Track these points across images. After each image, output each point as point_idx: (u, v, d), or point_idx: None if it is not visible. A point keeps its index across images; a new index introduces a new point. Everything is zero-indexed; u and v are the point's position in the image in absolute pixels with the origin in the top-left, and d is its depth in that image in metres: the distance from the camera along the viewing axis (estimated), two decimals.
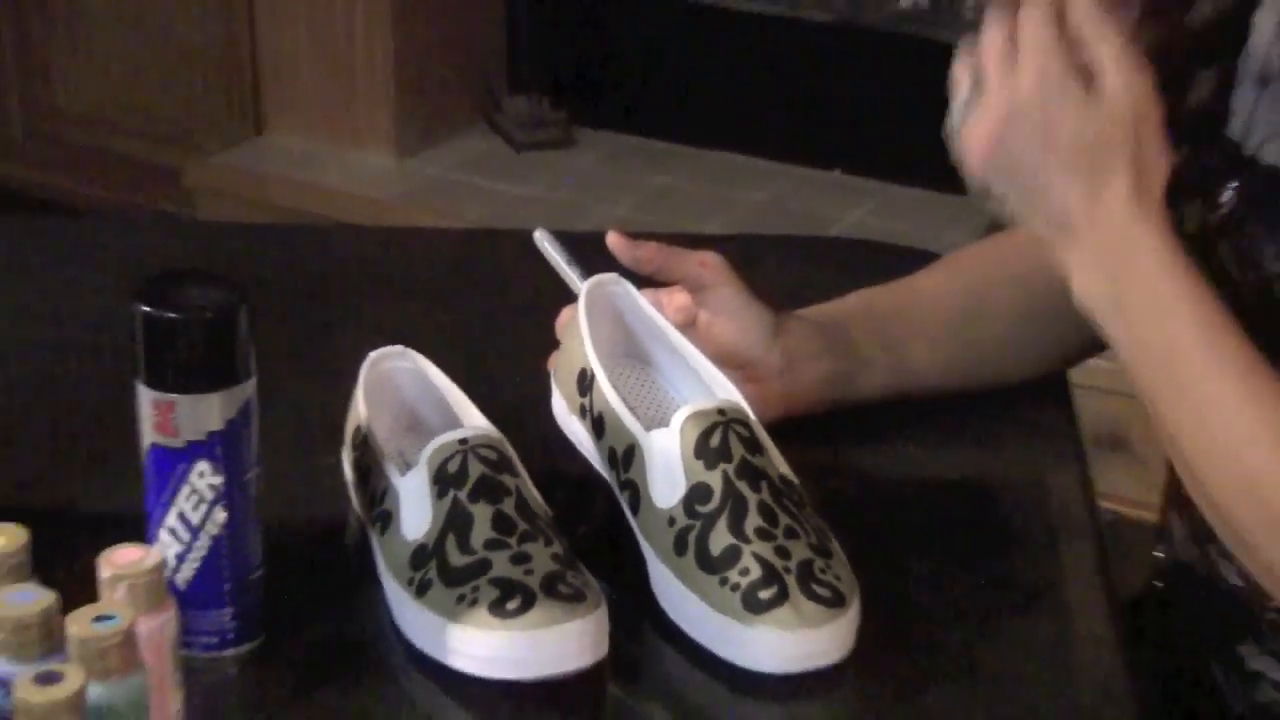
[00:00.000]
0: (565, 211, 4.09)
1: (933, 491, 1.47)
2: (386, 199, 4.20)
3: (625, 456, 1.49)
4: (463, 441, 1.44)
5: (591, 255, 1.69)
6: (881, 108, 4.21)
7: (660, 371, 1.62)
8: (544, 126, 4.39)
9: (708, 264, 1.69)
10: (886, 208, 4.11)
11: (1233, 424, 1.45)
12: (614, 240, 1.69)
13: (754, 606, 1.38)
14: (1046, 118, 1.45)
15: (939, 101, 4.14)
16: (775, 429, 1.55)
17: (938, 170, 4.20)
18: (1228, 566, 1.66)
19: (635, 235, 1.71)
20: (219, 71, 4.51)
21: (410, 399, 1.57)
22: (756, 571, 1.39)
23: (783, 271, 1.76)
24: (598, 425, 1.53)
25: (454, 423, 1.51)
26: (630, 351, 1.63)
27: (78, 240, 2.08)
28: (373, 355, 1.56)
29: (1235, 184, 1.61)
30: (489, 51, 4.46)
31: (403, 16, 4.25)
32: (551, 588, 1.38)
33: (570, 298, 1.62)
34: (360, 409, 1.53)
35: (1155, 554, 1.79)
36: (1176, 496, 1.75)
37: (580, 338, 1.57)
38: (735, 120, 4.32)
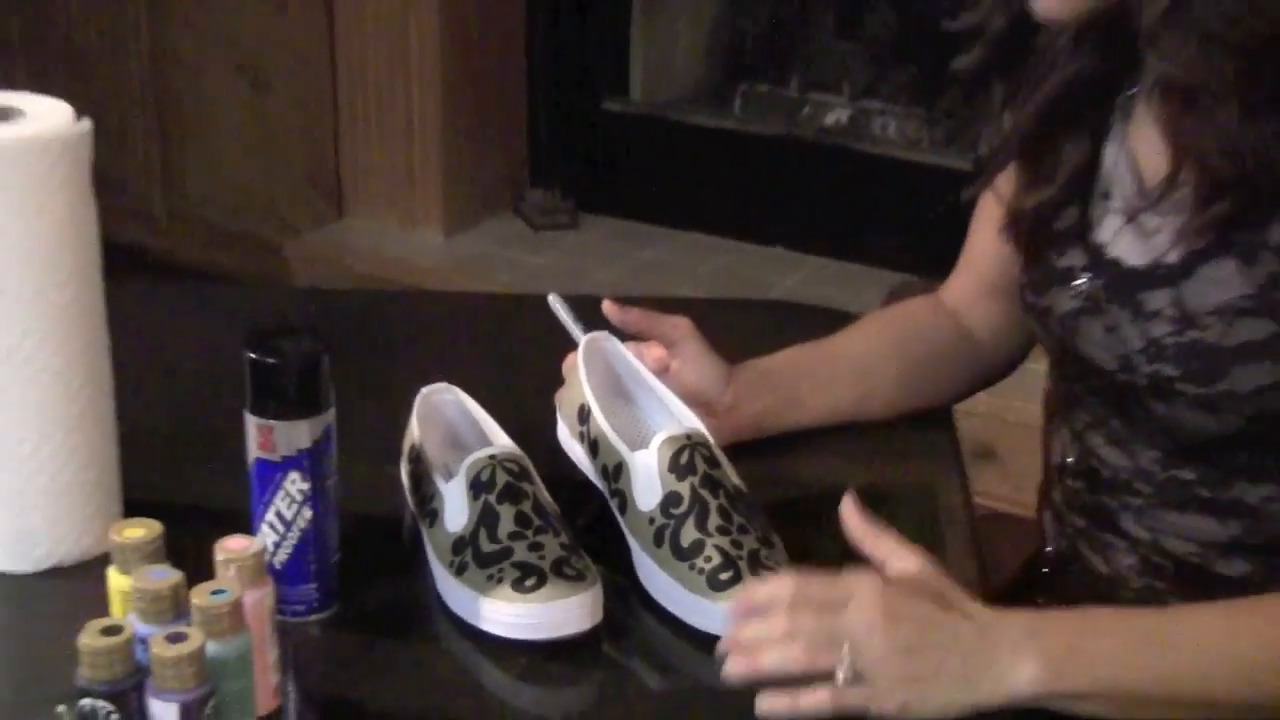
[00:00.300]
0: (571, 277, 4.08)
1: (845, 491, 1.47)
2: (436, 268, 4.19)
3: (615, 471, 1.50)
4: (492, 457, 1.44)
5: (591, 315, 1.69)
6: (811, 198, 4.22)
7: (640, 406, 1.62)
8: (556, 213, 4.37)
9: (678, 325, 1.69)
10: (815, 275, 4.11)
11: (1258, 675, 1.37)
12: (608, 306, 1.69)
13: (716, 585, 1.39)
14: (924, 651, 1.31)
15: (854, 194, 4.13)
16: (728, 449, 1.55)
17: (853, 246, 4.23)
18: (1094, 556, 1.66)
19: (626, 300, 1.71)
20: (311, 170, 4.50)
21: (453, 423, 1.56)
22: (717, 559, 1.40)
23: (734, 330, 1.77)
24: (593, 447, 1.53)
25: (486, 442, 1.50)
26: (618, 391, 1.62)
27: (203, 300, 2.09)
28: (425, 390, 1.56)
29: (1093, 275, 1.59)
30: (515, 154, 4.45)
31: (449, 128, 4.25)
32: (559, 569, 1.39)
33: (574, 347, 1.62)
34: (415, 431, 1.53)
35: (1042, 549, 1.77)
36: (1045, 499, 1.76)
37: (580, 380, 1.57)
38: (701, 208, 4.31)
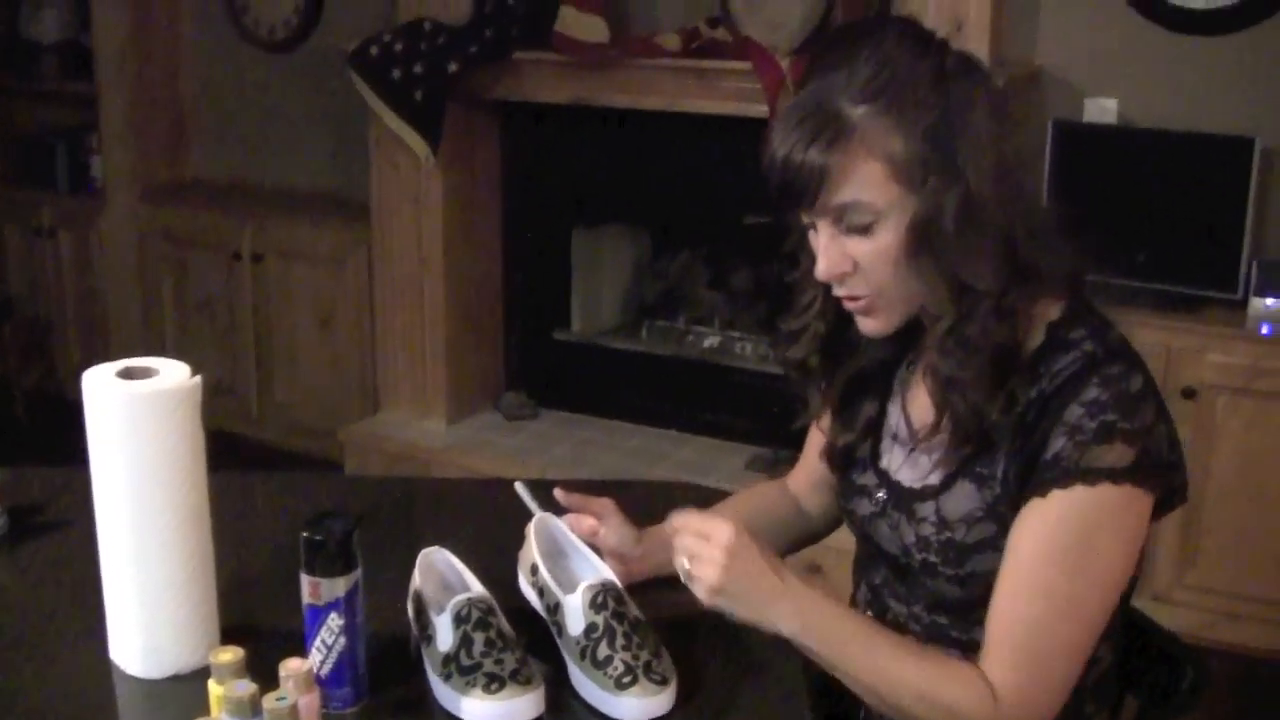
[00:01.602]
0: (534, 454, 4.06)
1: (713, 615, 1.45)
2: (441, 447, 4.17)
3: (554, 608, 1.49)
4: (469, 599, 1.43)
5: (545, 492, 1.68)
6: (695, 397, 4.23)
7: (573, 562, 1.60)
8: (523, 408, 4.35)
9: (604, 504, 1.67)
10: (699, 449, 4.09)
11: (894, 686, 1.43)
12: (558, 492, 1.67)
13: (621, 686, 1.38)
14: (729, 577, 1.41)
15: (724, 394, 4.06)
16: (635, 588, 1.55)
17: (724, 429, 4.19)
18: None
19: (573, 481, 1.70)
20: (358, 380, 4.51)
21: (443, 574, 1.54)
22: (622, 668, 1.39)
23: (643, 503, 1.73)
24: (540, 591, 1.53)
25: (465, 588, 1.49)
26: (557, 552, 1.61)
27: (282, 486, 2.06)
28: (424, 551, 1.54)
29: (883, 491, 1.60)
30: (494, 368, 4.45)
31: (450, 352, 4.25)
32: (515, 677, 1.38)
33: (531, 518, 1.62)
34: (417, 579, 1.52)
35: None
36: (856, 597, 1.74)
37: (531, 546, 1.57)
38: (622, 404, 4.30)
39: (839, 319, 1.56)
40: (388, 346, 4.34)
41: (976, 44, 3.39)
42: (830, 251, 1.45)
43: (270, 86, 4.89)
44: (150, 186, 4.93)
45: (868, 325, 1.51)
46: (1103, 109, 3.57)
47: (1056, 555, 1.39)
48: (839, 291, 1.50)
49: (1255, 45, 3.45)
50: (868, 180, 1.40)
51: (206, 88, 5.04)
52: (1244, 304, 3.34)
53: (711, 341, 4.31)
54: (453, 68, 3.86)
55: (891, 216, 1.41)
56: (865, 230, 1.42)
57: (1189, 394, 3.28)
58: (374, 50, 3.88)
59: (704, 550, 1.42)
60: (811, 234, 1.48)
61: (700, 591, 1.42)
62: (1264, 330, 3.27)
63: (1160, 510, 1.45)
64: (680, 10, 3.92)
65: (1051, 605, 1.40)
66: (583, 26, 3.82)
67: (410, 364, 4.31)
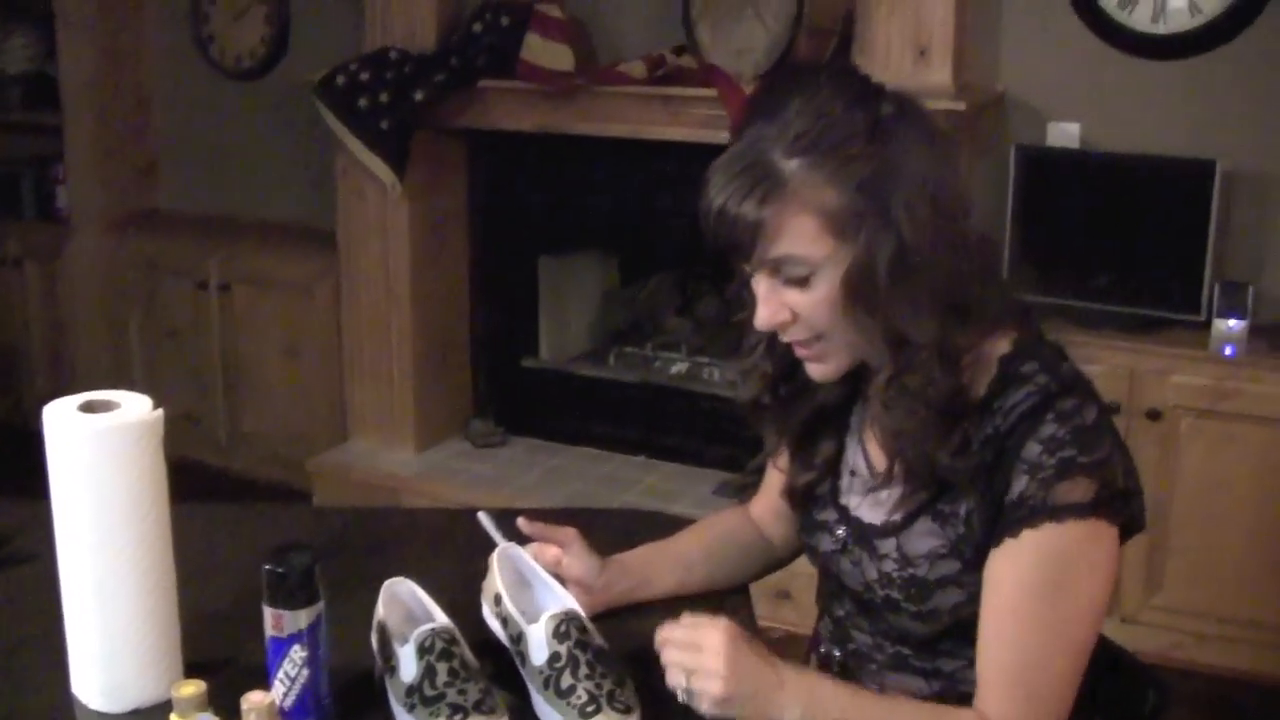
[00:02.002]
0: (502, 481, 4.05)
1: None
2: (410, 475, 4.16)
3: (517, 638, 1.49)
4: (432, 630, 1.42)
5: (509, 522, 1.68)
6: (664, 423, 4.24)
7: (536, 592, 1.60)
8: (491, 435, 4.35)
9: (567, 533, 1.67)
10: (667, 475, 4.09)
11: None
12: (522, 522, 1.67)
13: (584, 715, 1.38)
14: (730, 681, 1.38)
15: (692, 420, 4.06)
16: (599, 617, 1.56)
17: (692, 454, 4.20)
18: (858, 664, 1.63)
19: (541, 503, 1.71)
20: (326, 410, 4.49)
21: (407, 605, 1.54)
22: (585, 697, 1.39)
23: (606, 531, 1.74)
24: (504, 621, 1.52)
25: (429, 619, 1.49)
26: (521, 581, 1.61)
27: (247, 517, 2.05)
28: (388, 582, 1.54)
29: (844, 528, 1.60)
30: (462, 396, 4.45)
31: (418, 380, 4.25)
32: (479, 707, 1.38)
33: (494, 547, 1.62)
34: (381, 610, 1.51)
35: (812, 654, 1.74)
36: (819, 627, 1.74)
37: (494, 576, 1.57)
38: (590, 431, 4.32)
39: (788, 359, 1.55)
40: (356, 375, 4.34)
41: (940, 70, 3.42)
42: (769, 302, 1.45)
43: (237, 116, 4.89)
44: (117, 216, 4.92)
45: (815, 370, 1.51)
46: (1065, 133, 3.60)
47: (1039, 592, 1.40)
48: (783, 338, 1.50)
49: (1215, 69, 3.49)
50: (802, 234, 1.39)
51: (173, 118, 5.03)
52: (1207, 326, 3.36)
53: (679, 367, 4.32)
54: (419, 96, 3.86)
55: (827, 269, 1.40)
56: (802, 282, 1.42)
57: (1154, 415, 3.30)
58: (340, 79, 3.89)
59: (700, 663, 1.40)
60: (753, 280, 1.48)
61: (706, 705, 1.39)
62: (1227, 351, 3.30)
63: (1121, 538, 1.46)
64: (646, 38, 3.94)
65: (1041, 640, 1.41)
66: (549, 55, 3.84)
67: (378, 392, 4.30)
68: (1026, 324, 1.50)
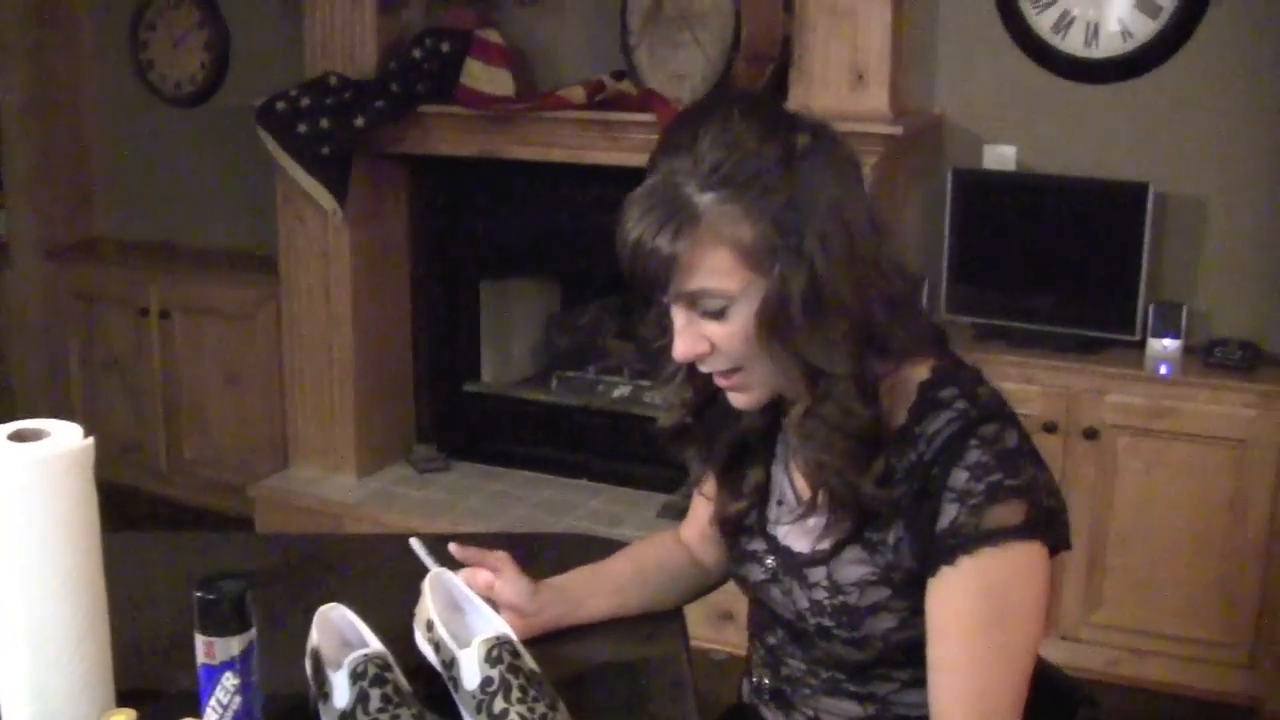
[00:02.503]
0: (445, 506, 4.05)
1: (610, 667, 1.46)
2: (352, 501, 4.14)
3: (450, 663, 1.48)
4: (365, 655, 1.42)
5: (442, 547, 1.68)
6: (605, 446, 4.24)
7: (468, 616, 1.60)
8: (434, 460, 4.35)
9: (500, 557, 1.67)
10: (609, 498, 4.09)
11: None
12: (453, 547, 1.68)
13: None
14: None
15: (633, 444, 4.05)
16: (531, 642, 1.56)
17: (634, 478, 4.19)
18: (792, 690, 1.63)
19: (484, 528, 1.71)
20: (268, 437, 4.48)
21: (341, 630, 1.52)
22: None
23: (539, 555, 1.75)
24: (437, 647, 1.52)
25: (363, 644, 1.48)
26: (453, 606, 1.60)
27: (176, 547, 2.04)
28: (322, 609, 1.53)
29: (773, 557, 1.59)
30: (405, 421, 4.44)
31: (360, 405, 4.25)
32: None
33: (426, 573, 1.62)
34: (314, 636, 1.50)
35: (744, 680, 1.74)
36: (751, 654, 1.74)
37: (427, 600, 1.57)
38: (532, 455, 4.32)
39: (709, 387, 1.54)
40: (297, 401, 4.33)
41: (877, 95, 3.46)
42: (686, 334, 1.45)
43: (176, 142, 4.87)
44: (55, 244, 4.89)
45: (737, 400, 1.51)
46: (1001, 156, 3.64)
47: (986, 619, 1.40)
48: (702, 369, 1.49)
49: (1148, 93, 3.54)
50: (716, 268, 1.38)
51: (111, 144, 5.00)
52: (1142, 345, 3.41)
53: (621, 391, 4.32)
54: (359, 122, 3.86)
55: (743, 301, 1.40)
56: (719, 315, 1.41)
57: (1090, 435, 3.34)
58: (280, 105, 3.88)
59: None
60: (672, 310, 1.47)
61: None
62: (1162, 371, 3.34)
63: (1049, 556, 1.47)
64: (585, 64, 3.96)
65: (992, 665, 1.41)
66: (489, 80, 3.85)
67: (320, 418, 4.29)
68: (944, 349, 1.51)
